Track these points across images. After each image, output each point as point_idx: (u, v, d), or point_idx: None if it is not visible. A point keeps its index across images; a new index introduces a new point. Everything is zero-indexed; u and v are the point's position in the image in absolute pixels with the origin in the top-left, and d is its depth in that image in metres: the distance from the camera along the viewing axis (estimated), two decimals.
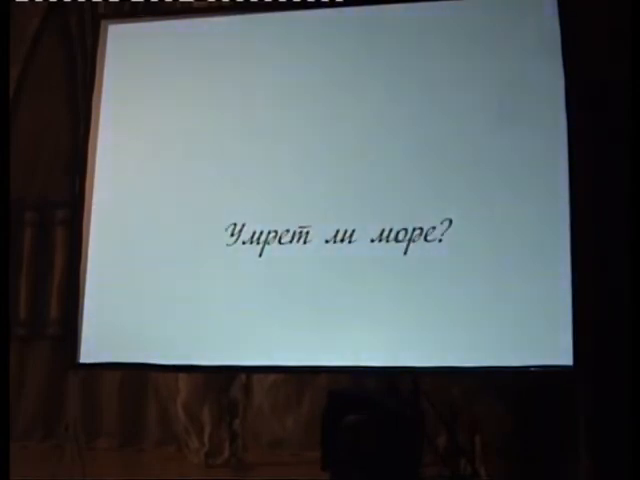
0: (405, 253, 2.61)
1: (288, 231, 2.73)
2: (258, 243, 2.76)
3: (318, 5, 2.84)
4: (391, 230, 2.63)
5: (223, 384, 3.42)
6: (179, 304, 2.73)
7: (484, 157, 2.61)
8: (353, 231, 2.67)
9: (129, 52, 2.95)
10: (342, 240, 2.68)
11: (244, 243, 2.77)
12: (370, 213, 2.68)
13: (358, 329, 2.60)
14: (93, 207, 2.86)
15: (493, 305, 2.53)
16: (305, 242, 2.73)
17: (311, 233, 2.72)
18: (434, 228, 2.59)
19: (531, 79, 2.63)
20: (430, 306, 2.57)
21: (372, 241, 2.64)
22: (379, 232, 2.64)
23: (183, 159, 2.83)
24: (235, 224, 2.78)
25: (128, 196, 2.86)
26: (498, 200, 2.58)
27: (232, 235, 2.78)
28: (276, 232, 2.74)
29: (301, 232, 2.73)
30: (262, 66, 2.82)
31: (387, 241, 2.64)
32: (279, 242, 2.74)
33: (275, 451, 3.36)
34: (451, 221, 2.58)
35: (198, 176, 2.81)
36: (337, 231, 2.69)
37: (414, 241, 2.61)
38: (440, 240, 2.59)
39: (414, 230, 2.62)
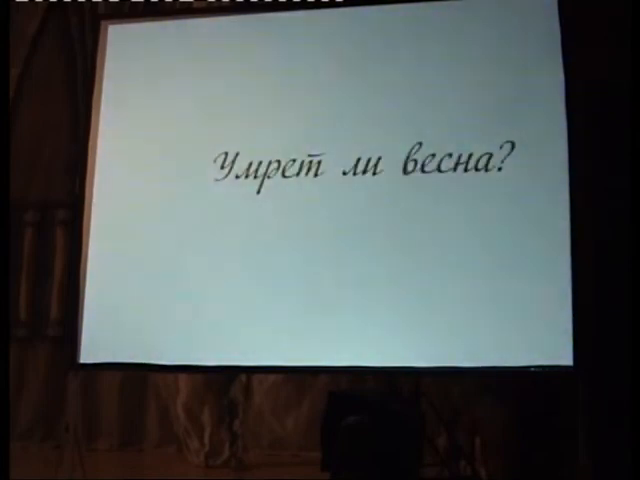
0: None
1: (294, 161, 2.66)
2: (256, 177, 2.74)
3: (318, 5, 2.84)
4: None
5: (223, 384, 3.42)
6: (179, 304, 2.73)
7: (484, 157, 2.61)
8: (378, 160, 2.59)
9: (129, 52, 2.95)
10: (364, 171, 2.62)
11: (238, 177, 2.74)
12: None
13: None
14: (93, 207, 2.86)
15: (493, 305, 2.53)
16: (316, 175, 2.68)
17: (324, 163, 2.64)
18: None
19: (531, 79, 2.62)
20: (430, 307, 2.57)
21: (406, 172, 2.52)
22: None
23: (184, 159, 2.83)
24: (227, 153, 2.71)
25: (128, 196, 2.85)
26: (497, 200, 2.58)
27: (223, 167, 2.73)
28: (279, 163, 2.68)
29: (311, 162, 2.64)
30: (261, 66, 2.82)
31: (423, 171, 2.54)
32: (283, 175, 2.68)
33: (275, 452, 3.37)
34: None
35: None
36: (358, 160, 2.61)
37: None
38: None
39: None
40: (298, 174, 2.68)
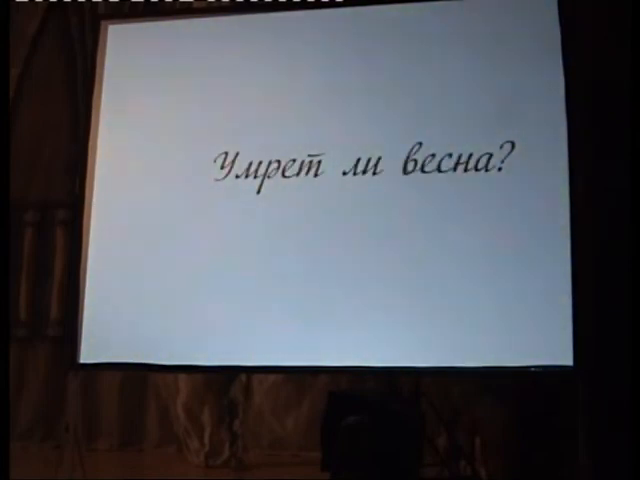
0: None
1: (294, 161, 2.67)
2: (256, 177, 2.74)
3: (318, 5, 2.84)
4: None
5: (223, 384, 3.42)
6: (179, 304, 2.73)
7: (484, 157, 2.61)
8: (378, 160, 2.59)
9: (129, 52, 2.95)
10: (364, 171, 2.62)
11: (238, 177, 2.74)
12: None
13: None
14: (93, 207, 2.86)
15: (493, 305, 2.53)
16: (316, 174, 2.68)
17: (324, 163, 2.64)
18: None
19: (531, 79, 2.62)
20: (430, 306, 2.57)
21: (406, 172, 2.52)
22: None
23: (184, 159, 2.83)
24: (227, 153, 2.71)
25: (128, 196, 2.85)
26: (497, 200, 2.58)
27: (223, 167, 2.73)
28: (279, 162, 2.69)
29: (311, 162, 2.64)
30: (261, 66, 2.82)
31: (423, 171, 2.54)
32: (282, 175, 2.68)
33: (275, 451, 3.37)
34: None
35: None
36: (358, 160, 2.62)
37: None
38: None
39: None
40: (298, 174, 2.68)
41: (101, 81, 2.94)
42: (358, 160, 2.65)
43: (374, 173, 2.64)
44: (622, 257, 2.38)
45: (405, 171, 2.64)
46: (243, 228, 2.74)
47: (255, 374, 3.31)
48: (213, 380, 3.40)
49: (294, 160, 2.69)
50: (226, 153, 2.77)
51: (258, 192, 2.73)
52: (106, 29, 2.99)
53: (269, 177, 2.71)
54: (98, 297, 2.81)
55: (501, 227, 2.58)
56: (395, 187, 2.64)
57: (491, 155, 2.60)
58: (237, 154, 2.76)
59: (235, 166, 2.76)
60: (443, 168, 2.62)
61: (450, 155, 2.62)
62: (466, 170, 2.61)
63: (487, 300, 2.54)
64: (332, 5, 2.82)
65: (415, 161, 2.64)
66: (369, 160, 2.65)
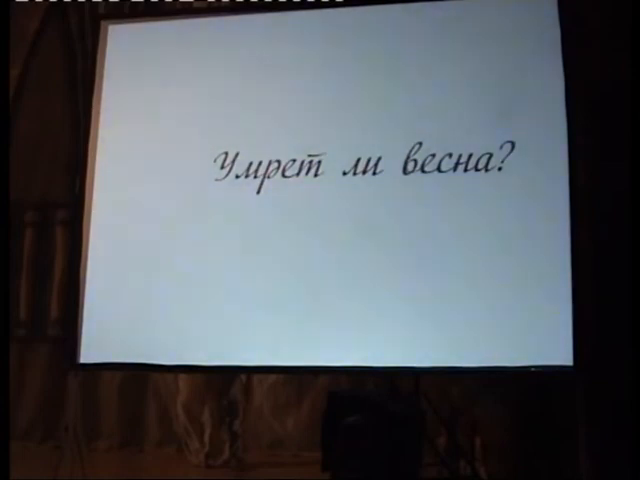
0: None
1: (294, 161, 2.68)
2: (256, 177, 2.75)
3: (318, 5, 2.84)
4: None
5: (223, 384, 3.42)
6: (179, 304, 2.73)
7: (484, 157, 2.61)
8: (378, 160, 2.60)
9: (129, 52, 2.95)
10: (364, 171, 2.64)
11: (238, 177, 2.75)
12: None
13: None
14: (93, 207, 2.86)
15: (493, 305, 2.53)
16: (316, 174, 2.69)
17: (324, 163, 2.65)
18: None
19: (531, 79, 2.63)
20: (430, 306, 2.57)
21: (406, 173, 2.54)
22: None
23: (184, 159, 2.83)
24: (227, 153, 2.73)
25: (128, 196, 2.85)
26: (497, 200, 2.58)
27: (223, 167, 2.74)
28: (279, 162, 2.70)
29: (311, 162, 2.65)
30: (262, 66, 2.82)
31: (423, 171, 2.55)
32: (282, 175, 2.69)
33: (275, 452, 3.37)
34: None
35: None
36: (358, 160, 2.63)
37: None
38: None
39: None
40: (298, 174, 2.69)
41: (101, 81, 2.93)
42: (358, 160, 2.66)
43: (374, 173, 2.64)
44: (622, 257, 2.38)
45: (405, 171, 2.64)
46: (243, 228, 2.74)
47: (255, 374, 3.31)
48: (213, 380, 3.40)
49: (294, 160, 2.69)
50: (226, 153, 2.77)
51: (258, 192, 2.73)
52: (106, 29, 2.99)
53: (269, 177, 2.71)
54: (98, 297, 2.81)
55: (501, 227, 2.57)
56: (395, 187, 2.64)
57: (491, 155, 2.60)
58: (237, 154, 2.76)
59: (235, 166, 2.76)
60: (443, 168, 2.63)
61: (450, 155, 2.62)
62: (466, 170, 2.61)
63: (487, 300, 2.53)
64: (332, 5, 2.81)
65: (415, 161, 2.64)
66: (369, 160, 2.65)
